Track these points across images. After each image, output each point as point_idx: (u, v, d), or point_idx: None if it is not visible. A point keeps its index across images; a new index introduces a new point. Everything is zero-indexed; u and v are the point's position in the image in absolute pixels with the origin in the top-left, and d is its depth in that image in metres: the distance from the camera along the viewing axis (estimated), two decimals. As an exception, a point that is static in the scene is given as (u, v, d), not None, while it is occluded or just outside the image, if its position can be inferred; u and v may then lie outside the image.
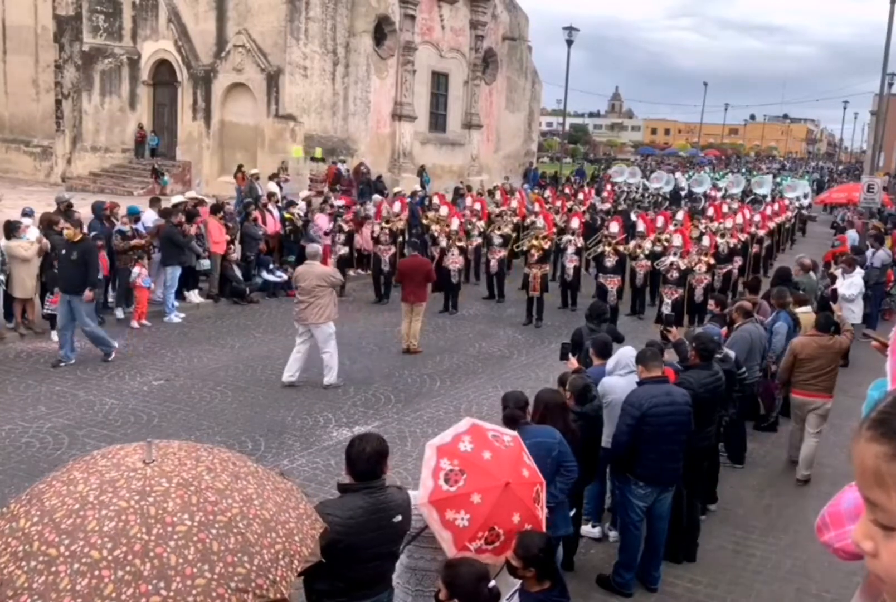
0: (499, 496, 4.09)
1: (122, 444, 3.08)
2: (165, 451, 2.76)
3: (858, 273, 13.06)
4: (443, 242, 15.39)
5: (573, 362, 6.79)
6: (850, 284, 12.78)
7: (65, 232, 10.67)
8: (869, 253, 15.58)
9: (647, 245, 14.93)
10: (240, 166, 23.82)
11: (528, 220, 16.97)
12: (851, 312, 12.54)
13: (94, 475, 2.58)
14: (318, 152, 26.40)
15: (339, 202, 17.21)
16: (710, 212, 19.59)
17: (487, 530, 4.06)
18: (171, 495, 2.51)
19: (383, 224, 15.81)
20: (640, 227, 15.45)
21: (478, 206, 17.66)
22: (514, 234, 16.59)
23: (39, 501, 2.50)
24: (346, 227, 15.99)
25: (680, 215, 17.89)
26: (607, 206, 23.01)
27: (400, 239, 16.31)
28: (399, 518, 3.91)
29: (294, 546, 2.68)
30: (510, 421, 5.11)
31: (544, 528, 4.30)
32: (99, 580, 2.27)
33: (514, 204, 18.64)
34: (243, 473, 2.82)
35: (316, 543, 2.83)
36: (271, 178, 21.97)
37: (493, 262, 15.76)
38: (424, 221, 17.70)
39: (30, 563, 2.30)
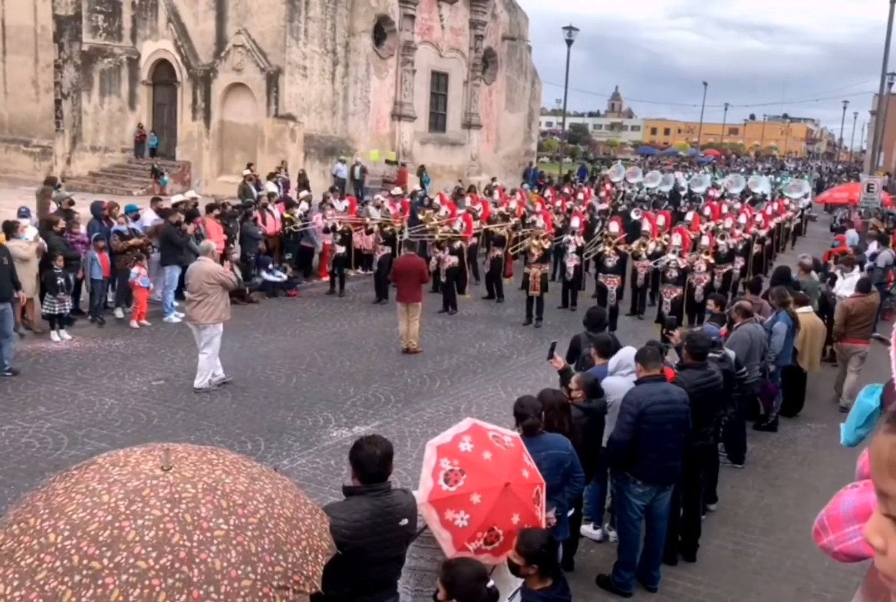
0: (498, 497, 4.07)
1: (124, 447, 3.10)
2: (177, 456, 2.79)
3: (858, 273, 13.04)
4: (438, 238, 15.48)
5: (558, 361, 6.74)
6: (850, 285, 12.77)
7: None
8: (869, 252, 15.57)
9: (651, 245, 14.90)
10: (249, 165, 23.77)
11: (527, 220, 16.99)
12: None
13: (116, 485, 2.58)
14: (392, 156, 28.15)
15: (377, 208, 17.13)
16: (708, 211, 19.60)
17: (487, 531, 4.05)
18: (200, 501, 2.56)
19: (374, 219, 15.99)
20: (645, 226, 15.43)
21: (479, 207, 17.68)
22: (511, 234, 16.61)
23: (64, 515, 2.49)
24: (340, 227, 15.97)
25: (689, 216, 17.87)
26: (605, 205, 23.00)
27: (399, 239, 16.35)
28: (405, 521, 3.88)
29: (315, 541, 2.79)
30: (530, 430, 5.07)
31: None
32: (151, 590, 2.29)
33: (512, 204, 18.63)
34: (256, 474, 2.90)
35: (330, 537, 2.96)
36: (269, 177, 21.97)
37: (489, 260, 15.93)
38: (420, 216, 17.73)
39: (74, 578, 2.29)
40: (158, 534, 2.41)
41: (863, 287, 10.96)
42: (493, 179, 28.80)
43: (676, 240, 13.89)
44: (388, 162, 27.83)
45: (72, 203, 13.50)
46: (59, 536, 2.41)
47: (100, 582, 2.28)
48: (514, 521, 4.10)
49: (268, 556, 2.53)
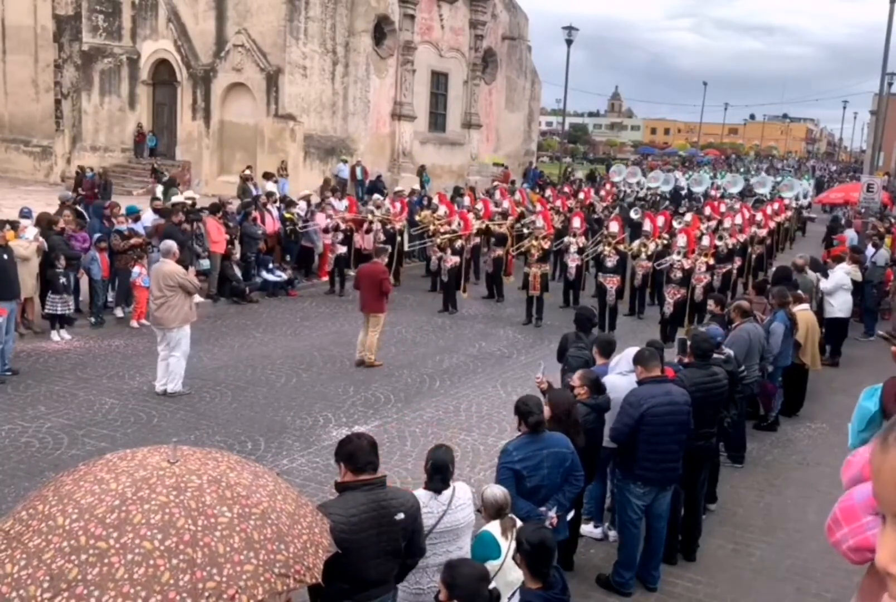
0: None
1: (124, 447, 3.19)
2: (183, 453, 2.90)
3: (840, 268, 13.05)
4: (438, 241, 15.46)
5: (542, 382, 6.57)
6: (831, 278, 12.88)
7: None
8: (869, 251, 15.59)
9: (652, 246, 14.86)
10: (248, 167, 23.73)
11: (526, 219, 16.99)
12: (830, 306, 12.59)
13: (123, 475, 2.68)
14: (499, 159, 32.84)
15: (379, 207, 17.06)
16: (708, 211, 19.57)
17: None
18: (205, 490, 2.65)
19: (376, 216, 16.02)
20: (647, 226, 15.41)
21: (479, 206, 17.66)
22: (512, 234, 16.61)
23: (73, 501, 2.57)
24: (343, 226, 15.97)
25: (688, 216, 17.86)
26: (604, 205, 22.97)
27: (399, 239, 16.37)
28: (401, 516, 3.88)
29: (316, 537, 2.88)
30: (536, 427, 5.09)
31: None
32: (155, 569, 2.37)
33: (505, 204, 18.57)
34: (260, 472, 3.03)
35: (330, 536, 3.04)
36: (268, 177, 21.93)
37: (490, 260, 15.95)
38: (417, 217, 17.72)
39: (80, 557, 2.38)
40: (164, 517, 2.49)
41: None
42: (513, 182, 29.03)
43: (682, 240, 13.86)
44: (495, 164, 32.36)
45: (75, 203, 13.51)
46: (68, 519, 2.49)
47: (105, 560, 2.36)
48: None
49: (270, 544, 2.60)
